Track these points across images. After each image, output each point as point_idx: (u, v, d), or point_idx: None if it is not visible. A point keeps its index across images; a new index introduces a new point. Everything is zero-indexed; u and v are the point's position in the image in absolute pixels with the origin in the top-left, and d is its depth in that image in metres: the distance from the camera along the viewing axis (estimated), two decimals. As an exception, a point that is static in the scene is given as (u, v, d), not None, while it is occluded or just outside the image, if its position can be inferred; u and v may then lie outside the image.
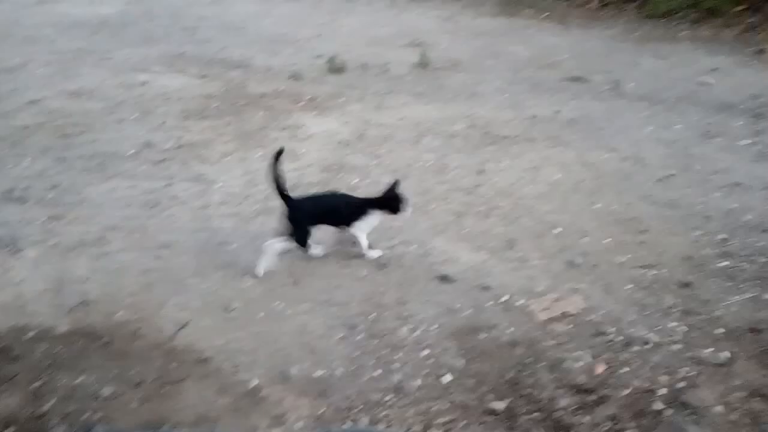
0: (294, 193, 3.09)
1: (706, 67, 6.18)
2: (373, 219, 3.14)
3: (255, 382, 2.47)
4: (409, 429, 2.24)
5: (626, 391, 2.34)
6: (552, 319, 2.77)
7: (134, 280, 3.10)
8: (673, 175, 4.04)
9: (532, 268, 3.14)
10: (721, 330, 2.68)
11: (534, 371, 2.49)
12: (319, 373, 2.51)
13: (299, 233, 3.04)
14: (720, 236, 3.37)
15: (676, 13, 8.33)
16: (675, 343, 2.60)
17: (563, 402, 2.32)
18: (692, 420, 2.22)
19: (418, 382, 2.45)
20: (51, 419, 2.29)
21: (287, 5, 9.14)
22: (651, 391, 2.33)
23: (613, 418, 2.24)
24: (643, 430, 2.19)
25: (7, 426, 2.27)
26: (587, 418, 2.25)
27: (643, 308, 2.82)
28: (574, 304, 2.85)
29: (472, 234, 3.45)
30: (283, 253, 3.11)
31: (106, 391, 2.42)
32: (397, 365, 2.53)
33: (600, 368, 2.46)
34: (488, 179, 4.04)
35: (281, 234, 3.06)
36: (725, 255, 3.21)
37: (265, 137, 4.69)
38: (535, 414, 2.28)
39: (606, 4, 8.88)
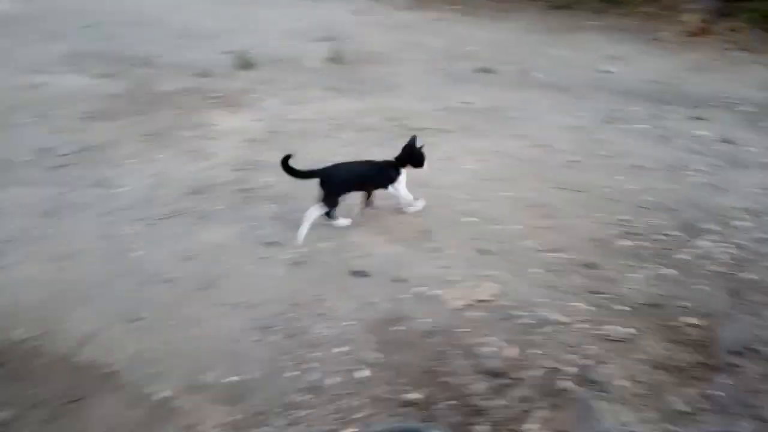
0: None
1: (609, 55, 6.48)
2: (403, 176, 3.39)
3: (167, 392, 2.37)
4: (327, 427, 2.22)
5: (537, 372, 2.41)
6: (466, 307, 2.81)
7: (34, 294, 2.90)
8: (579, 160, 4.20)
9: (447, 258, 3.18)
10: (626, 307, 2.81)
11: (450, 359, 2.52)
12: (234, 378, 2.43)
13: (329, 199, 3.26)
14: (623, 217, 3.54)
15: (581, 3, 8.71)
16: (582, 322, 2.70)
17: (478, 387, 2.36)
18: (600, 396, 2.31)
19: (336, 379, 2.42)
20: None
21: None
22: (560, 371, 2.41)
23: (525, 399, 2.29)
24: (553, 409, 2.25)
25: None
26: (501, 401, 2.29)
27: (552, 290, 2.92)
28: (487, 291, 2.90)
29: (388, 227, 3.46)
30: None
31: (4, 415, 2.26)
32: (314, 364, 2.49)
33: (512, 351, 2.52)
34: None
35: (318, 202, 3.26)
36: (628, 235, 3.37)
37: (173, 137, 4.52)
38: (451, 401, 2.31)
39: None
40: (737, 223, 3.52)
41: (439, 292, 2.91)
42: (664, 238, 3.36)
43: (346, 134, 4.62)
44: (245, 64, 6.01)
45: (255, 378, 2.43)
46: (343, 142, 4.50)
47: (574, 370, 2.42)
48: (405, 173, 3.41)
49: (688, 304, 2.82)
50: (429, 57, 6.51)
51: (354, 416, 2.25)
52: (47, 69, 5.89)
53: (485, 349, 2.55)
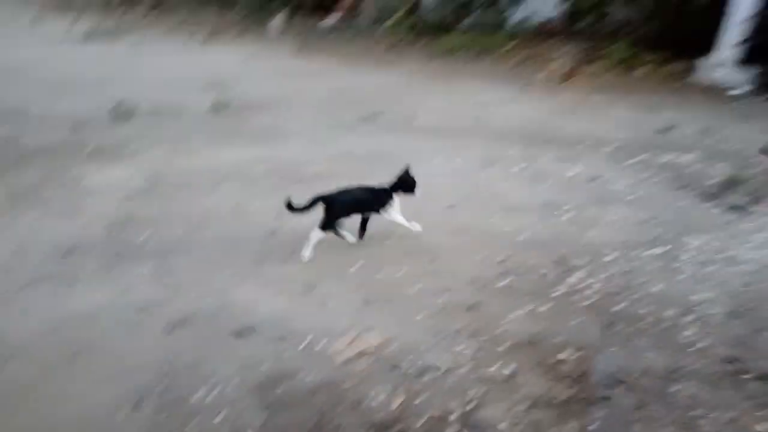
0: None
1: (487, 101, 6.83)
2: (397, 201, 3.72)
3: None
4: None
5: (421, 421, 2.42)
6: (353, 359, 2.79)
7: None
8: (459, 203, 4.36)
9: (333, 309, 3.15)
10: (506, 346, 2.90)
11: (337, 415, 2.47)
12: (103, 459, 2.25)
13: (327, 222, 3.57)
14: (501, 257, 3.68)
15: (461, 51, 9.20)
16: (464, 365, 2.75)
17: (364, 443, 2.33)
18: (482, 439, 2.35)
19: (217, 448, 2.30)
20: None
21: (76, 47, 8.48)
22: (443, 418, 2.43)
23: (411, 450, 2.29)
24: (439, 458, 2.26)
25: None
26: (386, 455, 2.27)
27: (436, 335, 2.96)
28: (373, 341, 2.90)
29: (272, 280, 3.39)
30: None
31: None
32: (193, 435, 2.36)
33: (397, 401, 2.52)
34: (288, 221, 4.02)
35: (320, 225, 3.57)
36: (506, 274, 3.51)
37: (41, 196, 4.22)
38: (337, 460, 2.26)
39: (396, 44, 9.53)
40: (607, 257, 3.75)
41: (325, 345, 2.87)
42: (540, 275, 3.52)
43: (232, 185, 4.53)
44: (125, 114, 5.78)
45: (126, 457, 2.26)
46: (225, 193, 4.40)
47: (456, 415, 2.45)
48: (398, 198, 3.71)
49: (564, 339, 2.95)
50: (316, 104, 6.58)
51: (234, 488, 2.14)
52: None
53: (372, 402, 2.53)
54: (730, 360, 2.84)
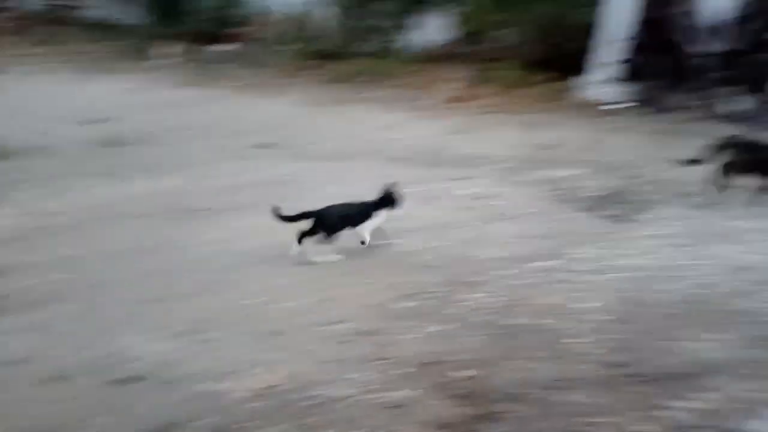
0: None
1: (383, 124, 6.94)
2: (378, 218, 3.88)
3: None
4: None
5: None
6: (250, 398, 2.67)
7: None
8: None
9: (226, 347, 3.01)
10: (406, 370, 2.86)
11: (232, 460, 2.35)
12: None
13: (309, 233, 3.75)
14: (397, 279, 3.69)
15: (353, 77, 9.30)
16: (367, 392, 2.69)
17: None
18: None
19: None
20: None
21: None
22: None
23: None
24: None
25: None
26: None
27: (335, 364, 2.89)
28: (270, 377, 2.79)
29: (158, 323, 3.20)
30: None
31: None
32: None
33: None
34: (172, 258, 3.85)
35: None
36: (404, 297, 3.49)
37: None
38: None
39: (293, 71, 9.50)
40: (500, 272, 3.85)
41: (217, 386, 2.73)
42: (436, 295, 3.55)
43: (111, 223, 4.28)
44: (1, 153, 5.35)
45: None
46: (107, 233, 4.16)
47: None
48: (381, 215, 3.88)
49: (459, 358, 2.97)
50: (207, 134, 6.40)
51: None
52: None
53: (268, 442, 2.43)
54: (616, 365, 2.96)
